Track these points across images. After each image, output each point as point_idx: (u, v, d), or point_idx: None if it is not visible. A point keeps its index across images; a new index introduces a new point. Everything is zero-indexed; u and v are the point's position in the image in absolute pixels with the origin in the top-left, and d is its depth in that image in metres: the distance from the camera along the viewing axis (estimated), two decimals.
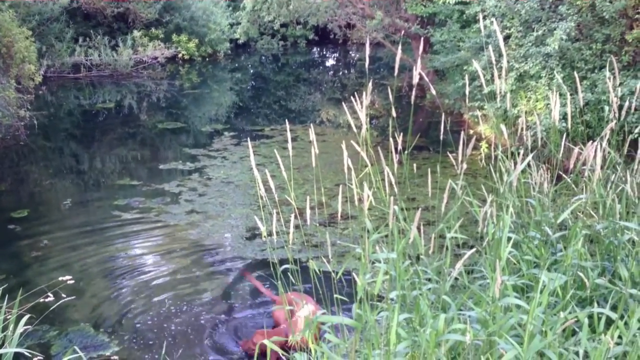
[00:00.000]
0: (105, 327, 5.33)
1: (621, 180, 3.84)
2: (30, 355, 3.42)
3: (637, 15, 7.79)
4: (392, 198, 2.79)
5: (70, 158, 11.39)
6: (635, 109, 7.03)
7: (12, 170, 10.29)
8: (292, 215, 2.85)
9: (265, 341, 3.01)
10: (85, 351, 4.76)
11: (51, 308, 4.57)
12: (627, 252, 3.38)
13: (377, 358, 2.78)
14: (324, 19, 16.95)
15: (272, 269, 3.08)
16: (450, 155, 3.63)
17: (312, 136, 2.90)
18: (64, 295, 4.60)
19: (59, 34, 19.07)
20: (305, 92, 18.85)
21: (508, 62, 8.75)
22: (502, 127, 3.57)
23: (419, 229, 2.90)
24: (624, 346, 2.64)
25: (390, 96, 3.38)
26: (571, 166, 3.52)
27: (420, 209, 2.92)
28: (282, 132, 12.31)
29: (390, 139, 3.16)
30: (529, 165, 3.77)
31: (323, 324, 3.25)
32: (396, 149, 3.14)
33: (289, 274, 3.07)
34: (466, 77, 3.93)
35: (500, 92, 3.31)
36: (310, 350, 3.02)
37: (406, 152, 3.30)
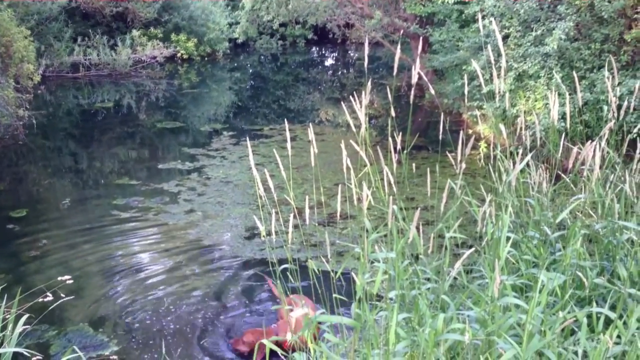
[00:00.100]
0: (104, 326, 5.33)
1: (620, 179, 3.84)
2: (29, 355, 3.42)
3: (635, 15, 7.80)
4: (391, 198, 2.79)
5: (69, 157, 11.38)
6: (634, 109, 7.04)
7: (11, 170, 10.28)
8: (291, 215, 2.85)
9: (265, 341, 3.01)
10: (84, 351, 4.76)
11: (50, 308, 4.57)
12: (626, 252, 3.38)
13: (376, 358, 2.78)
14: (323, 19, 16.94)
15: (271, 268, 3.07)
16: (449, 154, 3.63)
17: (311, 136, 2.90)
18: (62, 295, 4.61)
19: (57, 33, 19.06)
20: (304, 91, 18.84)
21: (507, 61, 8.76)
22: (501, 126, 3.57)
23: (418, 228, 2.90)
24: (622, 346, 2.64)
25: (389, 96, 3.38)
26: (570, 166, 3.52)
27: (419, 208, 2.92)
28: (281, 131, 12.32)
29: (389, 139, 3.16)
30: (527, 164, 3.77)
31: (322, 323, 3.25)
32: (395, 148, 3.14)
33: (288, 273, 3.07)
34: (465, 77, 3.92)
35: (499, 92, 3.31)
36: (309, 350, 3.02)
37: (405, 151, 3.30)
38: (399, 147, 3.18)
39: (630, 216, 3.66)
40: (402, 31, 14.64)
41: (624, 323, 2.77)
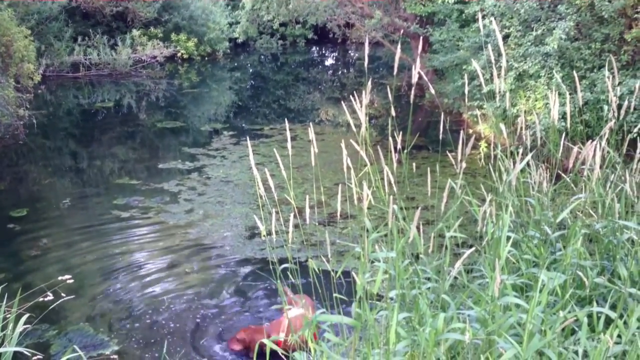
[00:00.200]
0: (104, 325, 5.33)
1: (620, 179, 3.84)
2: (29, 354, 3.42)
3: (636, 15, 7.80)
4: (391, 197, 2.79)
5: (70, 157, 11.38)
6: (635, 109, 7.04)
7: (11, 170, 10.29)
8: (292, 215, 2.85)
9: (266, 340, 3.01)
10: (84, 350, 4.76)
11: (50, 307, 4.58)
12: (626, 252, 3.38)
13: (376, 357, 2.78)
14: (323, 18, 16.94)
15: (271, 268, 3.08)
16: (449, 154, 3.63)
17: (312, 135, 2.90)
18: (63, 295, 4.61)
19: (57, 33, 19.06)
20: (305, 91, 18.84)
21: (507, 61, 8.75)
22: (502, 126, 3.57)
23: (418, 228, 2.90)
24: (623, 345, 2.64)
25: (390, 95, 3.38)
26: (570, 165, 3.52)
27: (419, 208, 2.92)
28: (281, 131, 12.32)
29: (390, 138, 3.16)
30: (528, 164, 3.77)
31: (323, 323, 3.25)
32: (395, 148, 3.14)
33: (288, 273, 3.07)
34: (465, 77, 3.92)
35: (499, 92, 3.31)
36: (309, 349, 3.02)
37: (405, 151, 3.30)
38: (399, 146, 3.18)
39: (630, 216, 3.66)
40: (402, 31, 14.64)
41: (625, 323, 2.77)
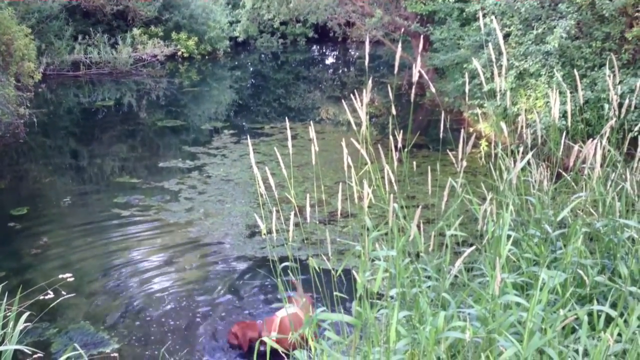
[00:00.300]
0: (105, 324, 5.33)
1: (621, 178, 3.84)
2: (30, 353, 3.42)
3: (636, 14, 7.79)
4: (391, 196, 2.79)
5: (70, 156, 11.39)
6: (635, 107, 7.03)
7: (12, 168, 10.29)
8: (292, 213, 2.85)
9: (266, 339, 3.02)
10: (85, 348, 4.76)
11: (51, 305, 4.57)
12: (626, 250, 3.39)
13: (376, 355, 2.79)
14: (324, 17, 16.94)
15: (271, 266, 3.08)
16: (450, 153, 3.63)
17: (312, 134, 2.90)
18: (63, 293, 4.59)
19: (58, 31, 19.06)
20: (305, 90, 18.84)
21: (508, 60, 8.75)
22: (502, 125, 3.57)
23: (418, 226, 2.91)
24: (623, 344, 2.64)
25: (390, 94, 3.38)
26: (571, 164, 3.52)
27: (420, 206, 2.92)
28: (282, 130, 12.32)
29: (390, 137, 3.16)
30: (528, 163, 3.77)
31: (323, 321, 3.25)
32: (396, 146, 3.14)
33: (289, 271, 3.07)
34: (466, 75, 3.92)
35: (500, 90, 3.31)
36: (309, 347, 3.02)
37: (406, 150, 3.30)
38: (399, 145, 3.18)
39: (631, 214, 3.67)
40: (402, 30, 14.63)
41: (625, 321, 2.78)
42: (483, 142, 8.96)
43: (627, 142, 4.00)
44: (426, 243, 3.16)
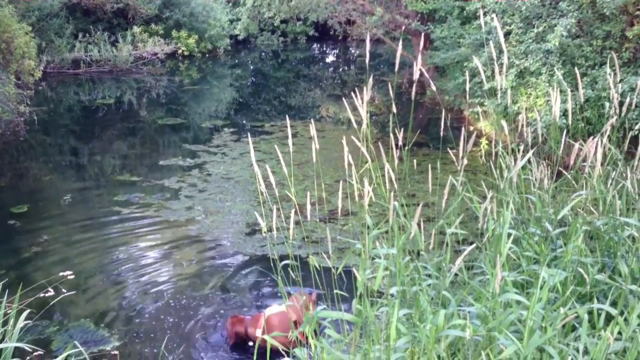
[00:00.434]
0: (105, 322, 5.34)
1: (621, 176, 3.84)
2: (30, 350, 3.42)
3: (637, 12, 7.79)
4: (392, 194, 2.79)
5: (70, 154, 11.39)
6: (636, 106, 7.00)
7: (12, 166, 10.29)
8: (293, 211, 2.85)
9: (266, 337, 3.02)
10: (85, 346, 4.77)
11: (51, 303, 4.58)
12: (627, 249, 3.38)
13: (377, 353, 2.79)
14: (324, 16, 16.91)
15: (272, 264, 3.08)
16: (450, 151, 3.63)
17: (313, 132, 2.89)
18: (64, 290, 4.60)
19: (58, 29, 19.04)
20: (305, 88, 18.83)
21: (508, 58, 8.74)
22: (503, 123, 3.57)
23: (419, 225, 2.91)
24: (623, 342, 2.64)
25: (391, 92, 3.38)
26: (571, 162, 3.52)
27: (420, 205, 2.92)
28: (282, 128, 12.31)
29: (391, 135, 3.16)
30: (529, 161, 3.77)
31: (323, 319, 3.26)
32: (396, 145, 3.14)
33: (289, 269, 3.07)
34: (466, 74, 3.92)
35: (500, 89, 3.32)
36: (310, 345, 3.03)
37: (406, 148, 3.30)
38: (400, 143, 3.18)
39: (631, 213, 3.66)
40: (403, 28, 14.60)
41: (625, 319, 2.78)
42: (483, 141, 8.96)
43: (627, 141, 4.00)
44: (426, 241, 3.16)
